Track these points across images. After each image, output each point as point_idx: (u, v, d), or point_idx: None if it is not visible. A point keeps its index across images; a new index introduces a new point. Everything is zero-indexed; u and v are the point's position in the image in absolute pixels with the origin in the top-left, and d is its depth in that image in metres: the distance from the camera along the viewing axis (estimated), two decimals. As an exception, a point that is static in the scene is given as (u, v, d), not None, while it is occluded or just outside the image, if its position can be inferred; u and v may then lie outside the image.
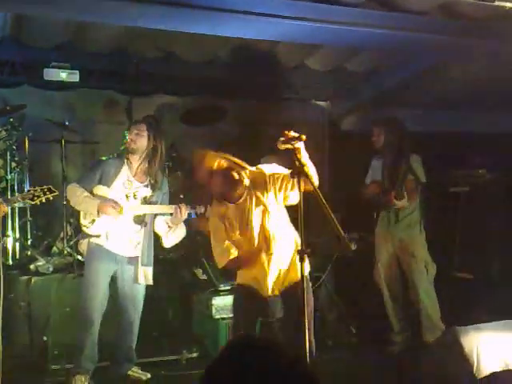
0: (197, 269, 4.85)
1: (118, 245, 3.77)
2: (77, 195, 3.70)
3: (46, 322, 4.25)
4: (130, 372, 3.90)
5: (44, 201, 3.51)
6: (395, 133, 4.51)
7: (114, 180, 3.77)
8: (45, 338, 4.17)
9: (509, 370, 2.86)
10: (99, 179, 3.76)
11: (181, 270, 4.90)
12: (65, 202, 4.62)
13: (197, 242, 5.12)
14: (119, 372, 3.87)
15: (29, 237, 4.91)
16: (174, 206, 3.79)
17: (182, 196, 5.31)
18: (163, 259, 4.90)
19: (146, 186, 3.85)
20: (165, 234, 3.87)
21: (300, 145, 2.87)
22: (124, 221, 3.78)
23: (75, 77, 5.38)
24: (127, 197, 3.79)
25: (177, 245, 4.97)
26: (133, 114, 5.19)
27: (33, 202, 3.48)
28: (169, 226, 3.83)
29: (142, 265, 3.80)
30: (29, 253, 4.81)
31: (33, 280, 4.39)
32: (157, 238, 3.96)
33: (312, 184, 2.81)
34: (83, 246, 3.83)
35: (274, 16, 4.08)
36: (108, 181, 3.76)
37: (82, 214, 3.79)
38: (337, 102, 6.56)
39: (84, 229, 3.77)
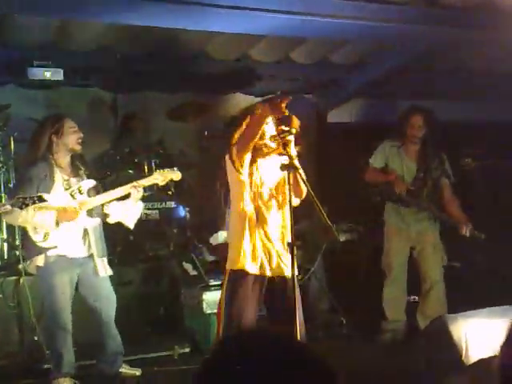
0: (187, 264, 4.85)
1: (75, 248, 3.63)
2: (22, 213, 3.41)
3: (36, 322, 4.23)
4: (121, 369, 3.89)
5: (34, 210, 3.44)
6: (435, 127, 4.35)
7: (52, 184, 3.58)
8: (36, 338, 4.15)
9: (496, 356, 2.89)
10: (37, 188, 3.52)
11: (170, 266, 4.90)
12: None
13: (186, 238, 5.13)
14: (112, 370, 3.86)
15: (17, 237, 4.88)
16: (128, 186, 3.69)
17: (170, 192, 5.31)
18: (153, 256, 4.90)
19: (82, 177, 3.72)
20: (124, 216, 3.77)
21: (290, 138, 2.88)
22: (77, 222, 3.62)
23: (59, 75, 5.33)
24: (72, 196, 3.63)
25: (166, 241, 5.00)
26: (118, 111, 5.16)
27: (22, 211, 3.41)
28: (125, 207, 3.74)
29: (99, 257, 3.69)
30: (17, 253, 4.78)
31: (22, 280, 4.36)
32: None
33: (301, 177, 2.83)
34: (38, 261, 3.57)
35: (260, 10, 4.07)
36: (46, 187, 3.55)
37: (31, 230, 3.55)
38: (323, 94, 6.57)
39: (39, 244, 3.54)
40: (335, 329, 4.71)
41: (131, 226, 3.86)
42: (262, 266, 3.08)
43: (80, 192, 3.65)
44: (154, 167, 5.33)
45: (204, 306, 4.39)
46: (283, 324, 3.02)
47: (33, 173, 3.57)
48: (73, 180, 3.69)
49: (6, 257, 4.79)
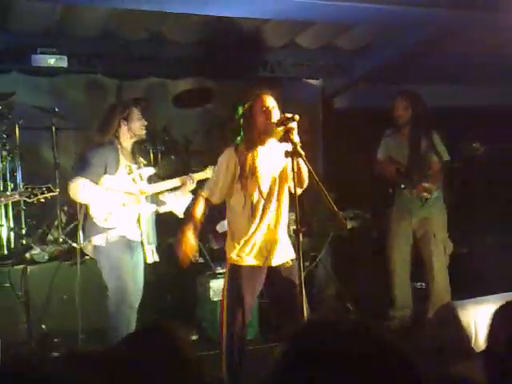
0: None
1: (133, 231, 3.69)
2: (89, 190, 3.51)
3: (44, 311, 4.25)
4: None
5: (42, 200, 3.45)
6: (421, 108, 4.39)
7: (117, 167, 3.65)
8: (43, 326, 4.17)
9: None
10: (104, 169, 3.60)
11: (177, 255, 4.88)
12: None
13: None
14: None
15: (23, 226, 4.89)
16: (183, 177, 3.82)
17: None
18: (160, 244, 4.88)
19: (140, 165, 3.82)
20: (175, 206, 3.85)
21: (293, 125, 2.85)
22: (139, 206, 3.72)
23: (63, 62, 5.30)
24: (134, 180, 3.72)
25: (173, 229, 4.98)
26: (122, 98, 5.13)
27: (30, 201, 3.42)
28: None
29: (149, 243, 3.76)
30: (24, 242, 4.79)
31: (29, 269, 4.38)
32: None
33: (306, 163, 2.80)
34: (99, 240, 3.61)
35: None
36: (112, 169, 3.62)
37: (93, 209, 3.59)
38: (329, 79, 6.51)
39: (100, 225, 3.59)
40: (342, 315, 4.69)
41: (181, 215, 3.92)
42: (260, 257, 3.08)
43: (141, 178, 3.74)
44: (159, 154, 5.31)
45: (211, 293, 4.39)
46: (288, 311, 3.02)
47: (101, 155, 3.62)
48: (133, 166, 3.76)
49: (12, 245, 4.80)
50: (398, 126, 4.51)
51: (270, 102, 3.08)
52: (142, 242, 3.72)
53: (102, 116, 3.80)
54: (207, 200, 3.18)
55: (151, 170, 3.83)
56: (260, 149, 3.10)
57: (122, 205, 3.63)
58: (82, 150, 3.80)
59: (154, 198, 3.84)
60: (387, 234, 4.56)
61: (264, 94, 3.11)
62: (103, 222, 3.59)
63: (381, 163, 4.57)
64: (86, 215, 3.67)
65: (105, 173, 3.59)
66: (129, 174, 3.71)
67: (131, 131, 3.72)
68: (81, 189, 3.51)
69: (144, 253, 3.73)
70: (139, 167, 3.79)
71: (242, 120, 3.09)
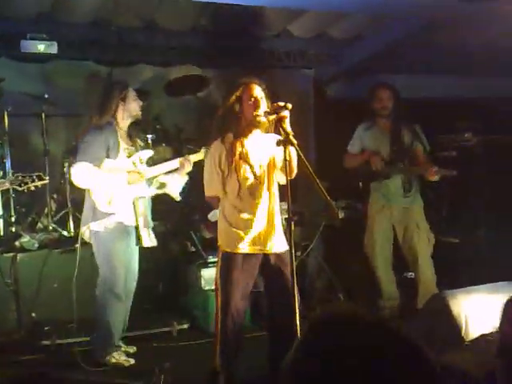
0: (185, 241, 4.83)
1: (129, 216, 3.65)
2: (91, 174, 3.47)
3: (33, 299, 4.22)
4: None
5: (32, 188, 3.41)
6: (400, 99, 4.42)
7: (118, 150, 3.61)
8: (33, 315, 4.15)
9: (497, 332, 2.88)
10: (106, 153, 3.56)
11: (169, 243, 4.88)
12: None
13: (184, 215, 5.10)
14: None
15: (12, 213, 4.83)
16: (180, 159, 3.81)
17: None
18: (155, 231, 4.87)
19: (138, 148, 3.80)
20: (172, 188, 3.85)
21: (286, 114, 2.85)
22: (134, 189, 3.68)
23: (53, 48, 5.22)
24: (134, 164, 3.69)
25: (163, 217, 4.96)
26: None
27: (20, 189, 3.38)
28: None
29: (146, 227, 3.73)
30: (13, 229, 4.75)
31: (19, 257, 4.35)
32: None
33: (299, 152, 2.79)
34: (97, 226, 3.58)
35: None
36: (113, 152, 3.58)
37: (96, 193, 3.54)
38: (322, 68, 6.48)
39: (102, 210, 3.55)
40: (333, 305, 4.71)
41: (178, 197, 3.92)
42: (253, 244, 3.07)
43: (140, 161, 3.72)
44: (150, 142, 5.27)
45: (202, 282, 4.39)
46: (280, 300, 3.03)
47: (102, 138, 3.57)
48: (131, 149, 3.74)
49: (1, 233, 4.75)
50: (376, 117, 4.51)
51: (258, 92, 3.07)
52: (137, 227, 3.67)
53: (100, 97, 3.76)
54: (214, 197, 3.17)
55: (150, 153, 3.81)
56: (248, 137, 3.10)
57: (128, 183, 3.59)
58: (81, 133, 3.72)
59: (151, 181, 3.83)
60: (366, 231, 4.55)
61: (252, 84, 3.09)
62: (106, 206, 3.55)
63: (355, 156, 4.57)
64: (87, 201, 3.62)
65: (107, 156, 3.56)
66: (128, 157, 3.69)
67: (128, 111, 3.69)
68: (83, 173, 3.48)
69: (140, 237, 3.69)
70: (137, 150, 3.77)
71: (230, 110, 3.07)
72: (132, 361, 3.67)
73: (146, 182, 3.77)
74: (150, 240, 3.76)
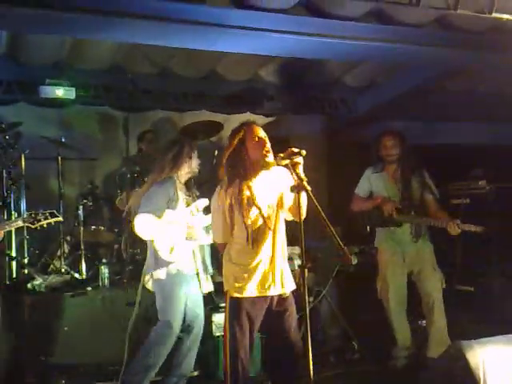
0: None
1: (188, 264, 3.74)
2: (154, 225, 3.57)
3: (44, 342, 4.18)
4: None
5: (45, 226, 3.42)
6: (408, 146, 4.41)
7: (177, 201, 3.71)
8: (43, 358, 4.10)
9: (516, 386, 2.80)
10: (167, 204, 3.66)
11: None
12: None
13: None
14: None
15: (26, 255, 4.86)
16: None
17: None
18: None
19: (194, 198, 3.88)
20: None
21: (300, 160, 2.85)
22: (198, 239, 3.78)
23: (71, 93, 5.37)
24: (192, 213, 3.78)
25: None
26: (129, 130, 5.17)
27: (33, 227, 3.39)
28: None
29: (204, 273, 3.80)
30: (26, 271, 4.76)
31: (30, 299, 4.33)
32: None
33: (312, 198, 2.79)
34: (161, 274, 3.65)
35: (271, 31, 4.08)
36: (173, 203, 3.68)
37: (159, 244, 3.62)
38: (334, 114, 6.57)
39: (166, 258, 3.62)
40: (347, 353, 4.62)
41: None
42: (261, 288, 3.03)
43: (197, 210, 3.80)
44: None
45: (213, 328, 4.32)
46: (282, 342, 2.99)
47: (163, 190, 3.68)
48: (189, 198, 3.84)
49: (14, 275, 4.76)
50: (385, 163, 4.50)
51: (261, 132, 3.10)
52: (197, 273, 3.77)
53: (170, 153, 3.81)
54: (221, 244, 3.17)
55: (206, 201, 3.84)
56: (254, 179, 3.07)
57: (187, 238, 3.69)
58: (143, 189, 3.78)
59: (209, 228, 3.84)
60: (379, 277, 4.46)
61: (253, 125, 3.13)
62: (168, 255, 3.63)
63: (364, 199, 4.54)
64: (151, 250, 3.69)
65: (167, 207, 3.65)
66: (186, 206, 3.79)
67: (190, 168, 3.82)
68: (146, 224, 3.57)
69: (200, 283, 3.78)
70: (194, 199, 3.87)
71: (234, 153, 3.08)
72: None
73: (204, 230, 3.83)
74: (207, 286, 3.84)
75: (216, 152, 5.43)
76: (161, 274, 3.66)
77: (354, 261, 4.61)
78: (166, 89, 5.85)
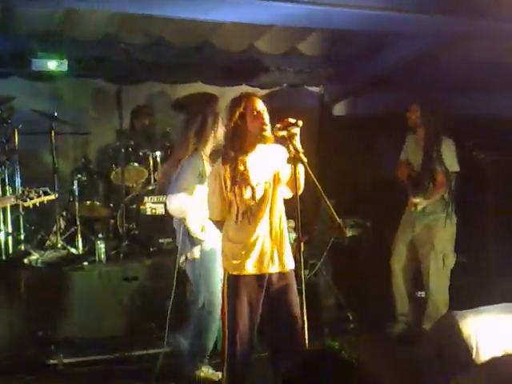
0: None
1: (217, 241, 3.63)
2: (187, 203, 3.51)
3: (41, 317, 4.21)
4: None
5: (37, 204, 3.40)
6: (433, 116, 4.39)
7: (205, 176, 3.57)
8: (40, 333, 4.14)
9: (509, 355, 2.83)
10: (198, 179, 3.56)
11: (176, 262, 4.85)
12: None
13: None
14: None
15: (22, 231, 4.86)
16: None
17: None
18: (159, 251, 4.87)
19: None
20: None
21: (296, 131, 2.82)
22: None
23: (63, 66, 5.29)
24: None
25: (172, 236, 4.96)
26: (122, 103, 5.11)
27: (25, 204, 3.37)
28: None
29: None
30: (22, 247, 4.77)
31: (27, 274, 4.35)
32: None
33: (308, 170, 2.76)
34: (195, 253, 3.61)
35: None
36: (202, 179, 3.58)
37: (190, 221, 3.56)
38: (329, 87, 6.51)
39: (199, 235, 3.59)
40: (342, 324, 4.67)
41: None
42: (260, 265, 2.99)
43: None
44: (159, 160, 5.30)
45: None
46: (282, 320, 2.98)
47: (194, 166, 3.57)
48: None
49: (11, 251, 4.77)
50: (414, 130, 4.52)
51: (260, 104, 3.01)
52: None
53: (193, 127, 3.64)
54: (219, 222, 3.11)
55: None
56: (251, 154, 3.01)
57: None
58: (171, 166, 3.68)
59: None
60: (392, 243, 4.55)
61: (253, 97, 3.04)
62: (201, 233, 3.58)
63: (399, 165, 4.57)
64: (184, 229, 3.62)
65: (199, 183, 3.57)
66: None
67: (215, 138, 3.65)
68: (177, 203, 3.51)
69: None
70: None
71: (234, 127, 3.03)
72: (220, 374, 3.60)
73: None
74: None
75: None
76: (196, 253, 3.61)
77: (349, 233, 4.64)
78: (159, 60, 5.77)
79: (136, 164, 5.28)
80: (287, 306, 2.96)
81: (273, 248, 3.01)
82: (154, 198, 4.94)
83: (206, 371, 3.71)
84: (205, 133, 3.61)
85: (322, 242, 4.71)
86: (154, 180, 5.22)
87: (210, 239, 3.59)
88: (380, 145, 6.07)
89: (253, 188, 2.98)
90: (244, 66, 5.92)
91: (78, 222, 4.94)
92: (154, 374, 3.64)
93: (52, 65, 5.24)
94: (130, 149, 5.34)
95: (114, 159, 5.32)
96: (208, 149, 3.66)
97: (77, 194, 5.08)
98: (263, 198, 3.01)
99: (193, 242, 3.60)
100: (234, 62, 5.89)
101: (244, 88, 6.01)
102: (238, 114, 2.97)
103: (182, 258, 3.67)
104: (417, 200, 4.32)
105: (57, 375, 3.87)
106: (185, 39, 5.64)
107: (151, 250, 4.88)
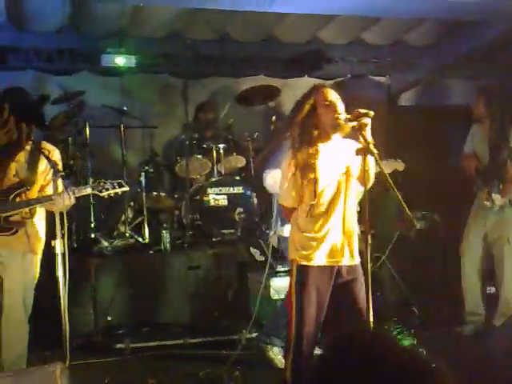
0: (254, 250, 4.84)
1: None
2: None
3: (110, 303, 4.37)
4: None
5: (112, 195, 3.51)
6: (500, 104, 4.17)
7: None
8: (109, 318, 4.29)
9: None
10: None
11: (238, 252, 4.91)
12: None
13: (254, 223, 5.12)
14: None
15: (92, 220, 5.04)
16: None
17: (237, 178, 5.32)
18: (221, 241, 4.93)
19: None
20: None
21: (367, 121, 2.75)
22: None
23: (131, 62, 5.45)
24: None
25: (234, 226, 5.02)
26: (188, 97, 5.20)
27: (101, 195, 3.49)
28: None
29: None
30: (92, 235, 4.95)
31: (97, 262, 4.51)
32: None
33: (378, 162, 2.70)
34: (285, 232, 3.70)
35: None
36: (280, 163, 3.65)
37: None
38: (397, 76, 6.35)
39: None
40: (407, 319, 4.56)
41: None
42: (329, 256, 2.94)
43: None
44: (222, 152, 5.35)
45: (271, 292, 4.36)
46: (349, 312, 2.94)
47: (281, 150, 3.58)
48: None
49: (81, 239, 4.96)
50: (481, 121, 4.30)
51: (332, 94, 2.95)
52: None
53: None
54: (290, 209, 3.07)
55: None
56: (322, 145, 2.96)
57: None
58: (269, 148, 3.87)
59: None
60: (463, 233, 4.38)
61: (323, 88, 2.98)
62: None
63: (465, 157, 4.38)
64: (274, 207, 3.75)
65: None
66: None
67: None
68: (273, 179, 3.58)
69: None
70: None
71: (304, 116, 3.00)
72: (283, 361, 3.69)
73: None
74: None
75: (274, 118, 5.38)
76: (285, 231, 3.67)
77: (418, 225, 4.51)
78: (224, 55, 5.83)
79: (200, 156, 5.36)
80: (354, 300, 2.91)
81: (343, 241, 2.95)
82: (217, 190, 5.00)
83: (276, 353, 3.78)
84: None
85: (387, 235, 4.62)
86: (218, 172, 5.29)
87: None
88: (449, 136, 5.87)
89: (329, 176, 2.95)
90: (307, 57, 5.88)
91: (145, 213, 5.08)
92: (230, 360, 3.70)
93: (120, 61, 5.42)
94: (195, 141, 5.42)
95: (179, 152, 5.42)
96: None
97: (144, 185, 5.21)
98: (337, 191, 2.96)
99: (284, 220, 3.64)
100: (297, 54, 5.86)
101: (306, 79, 5.99)
102: (308, 106, 2.94)
103: (271, 233, 3.79)
104: (496, 197, 4.10)
105: (123, 359, 4.00)
106: (249, 33, 5.67)
107: (214, 240, 4.96)
